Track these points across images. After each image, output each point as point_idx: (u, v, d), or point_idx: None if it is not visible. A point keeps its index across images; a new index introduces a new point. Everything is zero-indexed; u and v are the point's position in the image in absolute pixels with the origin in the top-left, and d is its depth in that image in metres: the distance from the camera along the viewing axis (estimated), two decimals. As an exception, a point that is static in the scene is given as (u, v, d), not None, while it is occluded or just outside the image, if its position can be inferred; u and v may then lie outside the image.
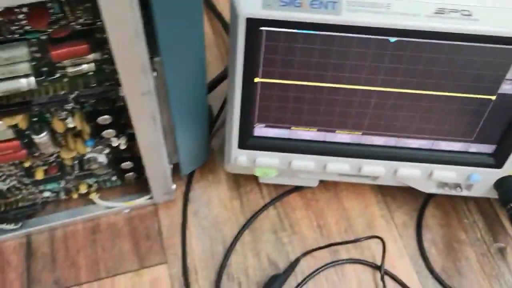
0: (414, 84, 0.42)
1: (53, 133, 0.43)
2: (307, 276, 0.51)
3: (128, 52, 0.34)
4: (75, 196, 0.52)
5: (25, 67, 0.35)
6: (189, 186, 0.56)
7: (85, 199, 0.53)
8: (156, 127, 0.42)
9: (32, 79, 0.36)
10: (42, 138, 0.42)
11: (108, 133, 0.44)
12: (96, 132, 0.43)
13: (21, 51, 0.34)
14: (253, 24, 0.38)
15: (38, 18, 0.32)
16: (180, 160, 0.51)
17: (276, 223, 0.54)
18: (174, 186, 0.53)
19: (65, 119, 0.42)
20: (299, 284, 0.50)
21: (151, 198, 0.53)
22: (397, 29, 0.38)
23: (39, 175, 0.47)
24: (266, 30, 0.39)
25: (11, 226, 0.50)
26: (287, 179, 0.53)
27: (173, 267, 0.51)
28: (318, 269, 0.51)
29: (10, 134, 0.41)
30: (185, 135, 0.48)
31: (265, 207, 0.55)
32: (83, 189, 0.51)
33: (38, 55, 0.36)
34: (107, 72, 0.39)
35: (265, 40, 0.40)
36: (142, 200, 0.53)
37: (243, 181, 0.56)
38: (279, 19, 0.38)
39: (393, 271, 0.51)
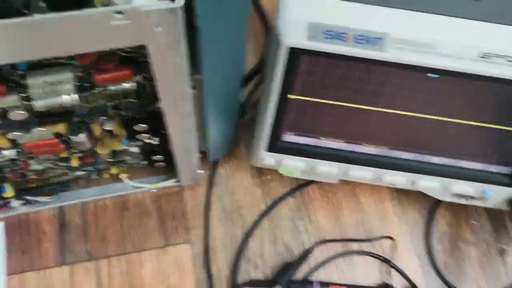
0: (447, 113, 0.43)
1: (90, 132, 0.44)
2: (319, 264, 0.54)
3: (171, 89, 0.34)
4: (106, 176, 0.54)
5: (69, 88, 0.36)
6: (214, 170, 0.58)
7: (114, 177, 0.55)
8: (191, 137, 0.43)
9: (75, 96, 0.37)
10: (79, 138, 0.43)
11: (143, 136, 0.45)
12: (132, 134, 0.45)
13: (66, 75, 0.35)
14: (296, 52, 0.38)
15: (84, 55, 0.32)
16: (208, 148, 0.53)
17: (294, 211, 0.57)
18: (200, 172, 0.55)
19: (103, 124, 0.43)
20: (311, 270, 0.54)
21: (177, 181, 0.55)
22: (439, 69, 0.38)
23: (74, 163, 0.48)
24: (307, 57, 0.39)
25: (46, 199, 0.53)
26: (308, 176, 0.55)
27: (195, 247, 0.55)
28: (329, 258, 0.55)
29: (49, 135, 0.42)
30: (215, 129, 0.49)
31: (285, 196, 0.57)
32: (114, 171, 0.53)
33: (81, 74, 0.37)
34: (146, 88, 0.39)
35: (305, 65, 0.40)
36: (169, 183, 0.55)
37: (265, 169, 0.58)
38: (323, 50, 0.38)
39: (399, 264, 0.55)
